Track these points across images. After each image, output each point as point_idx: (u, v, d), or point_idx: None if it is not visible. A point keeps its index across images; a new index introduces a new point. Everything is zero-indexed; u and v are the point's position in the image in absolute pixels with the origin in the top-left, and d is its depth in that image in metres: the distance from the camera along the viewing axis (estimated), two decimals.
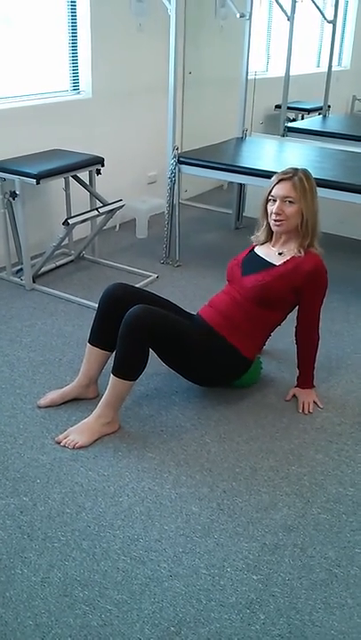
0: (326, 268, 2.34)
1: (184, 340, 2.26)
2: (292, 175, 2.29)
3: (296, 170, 2.32)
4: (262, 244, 2.45)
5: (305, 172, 2.33)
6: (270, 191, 2.32)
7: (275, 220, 2.31)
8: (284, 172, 2.32)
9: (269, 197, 2.33)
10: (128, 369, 2.17)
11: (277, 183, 2.30)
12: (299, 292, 2.32)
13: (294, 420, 2.39)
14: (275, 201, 2.30)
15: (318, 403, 2.48)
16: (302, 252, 2.32)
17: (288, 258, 2.33)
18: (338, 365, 2.77)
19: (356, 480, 2.10)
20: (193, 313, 2.50)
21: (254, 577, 1.72)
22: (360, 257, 4.04)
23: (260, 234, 2.44)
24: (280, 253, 2.36)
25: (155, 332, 2.17)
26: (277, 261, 2.35)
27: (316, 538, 1.86)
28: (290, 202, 2.28)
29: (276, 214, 2.29)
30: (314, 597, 1.68)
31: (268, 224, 2.38)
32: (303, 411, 2.44)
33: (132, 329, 2.13)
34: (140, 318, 2.13)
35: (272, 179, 2.34)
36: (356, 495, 2.03)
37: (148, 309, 2.17)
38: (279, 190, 2.29)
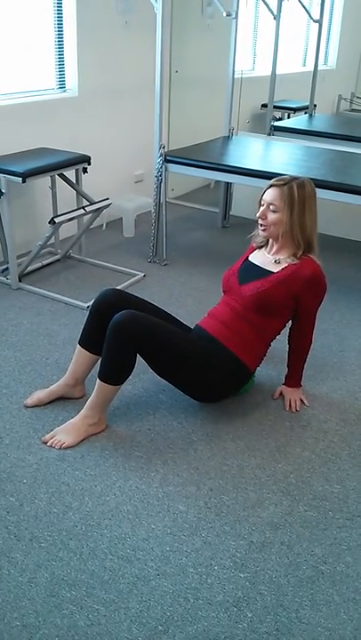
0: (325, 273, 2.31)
1: (177, 349, 2.20)
2: (284, 183, 2.24)
3: (294, 178, 2.26)
4: (259, 248, 2.43)
5: (301, 182, 2.25)
6: (262, 195, 2.30)
7: (260, 225, 2.31)
8: (278, 179, 2.28)
9: (260, 200, 2.31)
10: (113, 374, 2.16)
11: (268, 188, 2.28)
12: (297, 298, 2.29)
13: (281, 418, 2.40)
14: (263, 205, 2.29)
15: (305, 400, 2.49)
16: (296, 260, 2.29)
17: (285, 265, 2.30)
18: (324, 363, 2.79)
19: (342, 477, 2.11)
20: (190, 327, 2.46)
21: (241, 575, 1.73)
22: (347, 256, 4.07)
23: (257, 234, 2.40)
24: (276, 261, 2.32)
25: (140, 338, 2.13)
26: (275, 269, 2.31)
27: (303, 535, 1.87)
28: (273, 210, 2.25)
29: (260, 218, 2.29)
30: (301, 595, 1.68)
31: None
32: (290, 408, 2.45)
33: (116, 334, 2.10)
34: (125, 323, 2.10)
35: (268, 182, 2.31)
36: (342, 492, 2.04)
37: (133, 314, 2.13)
38: (267, 196, 2.27)
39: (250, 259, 2.43)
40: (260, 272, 2.33)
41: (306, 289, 2.27)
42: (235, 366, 2.30)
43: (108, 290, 2.34)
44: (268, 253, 2.37)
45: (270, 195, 2.26)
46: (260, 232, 2.33)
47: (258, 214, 2.30)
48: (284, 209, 2.23)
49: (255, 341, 2.33)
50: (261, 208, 2.29)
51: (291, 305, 2.31)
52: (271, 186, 2.27)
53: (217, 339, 2.30)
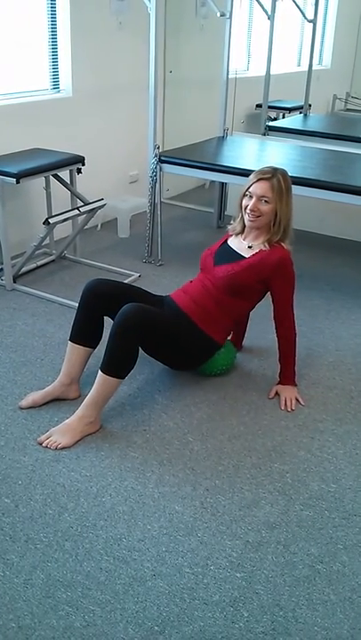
0: (293, 260, 2.42)
1: (163, 331, 2.34)
2: (271, 176, 2.36)
3: (275, 170, 2.39)
4: (237, 234, 2.52)
5: (283, 172, 2.40)
6: (248, 187, 2.39)
7: (249, 216, 2.38)
8: (263, 172, 2.38)
9: (246, 193, 2.40)
10: (119, 367, 2.19)
11: (256, 182, 2.37)
12: (266, 282, 2.41)
13: (276, 418, 2.40)
14: (251, 197, 2.37)
15: (300, 399, 2.50)
16: (268, 246, 2.40)
17: (256, 251, 2.42)
18: (319, 362, 2.79)
19: (338, 476, 2.11)
20: (162, 295, 2.59)
21: (238, 575, 1.73)
22: (340, 255, 4.07)
23: (237, 224, 2.52)
24: (250, 247, 2.45)
25: (146, 331, 2.23)
26: (247, 254, 2.44)
27: (299, 535, 1.87)
28: (266, 201, 2.35)
29: (252, 211, 2.37)
30: (297, 594, 1.68)
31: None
32: (285, 407, 2.45)
33: (125, 328, 2.16)
34: (135, 316, 2.19)
35: (251, 176, 2.41)
36: (338, 491, 2.04)
37: (140, 308, 2.22)
38: (257, 189, 2.35)
39: (228, 242, 2.55)
40: (234, 256, 2.46)
41: (274, 273, 2.39)
42: (201, 338, 2.44)
43: (92, 281, 2.42)
44: (244, 240, 2.48)
45: (261, 188, 2.35)
46: (249, 223, 2.41)
47: (250, 207, 2.37)
48: (276, 200, 2.35)
49: (222, 317, 2.47)
50: (252, 201, 2.37)
51: (259, 288, 2.44)
52: (259, 179, 2.36)
53: (185, 312, 2.44)
